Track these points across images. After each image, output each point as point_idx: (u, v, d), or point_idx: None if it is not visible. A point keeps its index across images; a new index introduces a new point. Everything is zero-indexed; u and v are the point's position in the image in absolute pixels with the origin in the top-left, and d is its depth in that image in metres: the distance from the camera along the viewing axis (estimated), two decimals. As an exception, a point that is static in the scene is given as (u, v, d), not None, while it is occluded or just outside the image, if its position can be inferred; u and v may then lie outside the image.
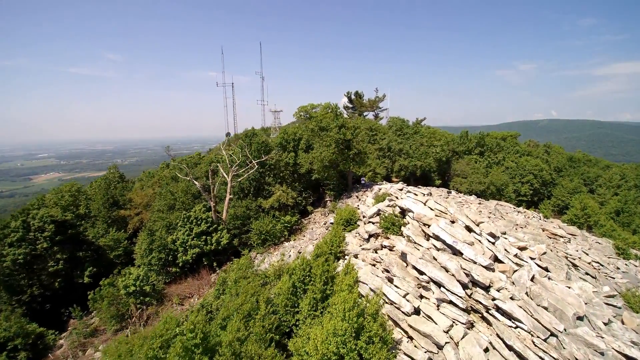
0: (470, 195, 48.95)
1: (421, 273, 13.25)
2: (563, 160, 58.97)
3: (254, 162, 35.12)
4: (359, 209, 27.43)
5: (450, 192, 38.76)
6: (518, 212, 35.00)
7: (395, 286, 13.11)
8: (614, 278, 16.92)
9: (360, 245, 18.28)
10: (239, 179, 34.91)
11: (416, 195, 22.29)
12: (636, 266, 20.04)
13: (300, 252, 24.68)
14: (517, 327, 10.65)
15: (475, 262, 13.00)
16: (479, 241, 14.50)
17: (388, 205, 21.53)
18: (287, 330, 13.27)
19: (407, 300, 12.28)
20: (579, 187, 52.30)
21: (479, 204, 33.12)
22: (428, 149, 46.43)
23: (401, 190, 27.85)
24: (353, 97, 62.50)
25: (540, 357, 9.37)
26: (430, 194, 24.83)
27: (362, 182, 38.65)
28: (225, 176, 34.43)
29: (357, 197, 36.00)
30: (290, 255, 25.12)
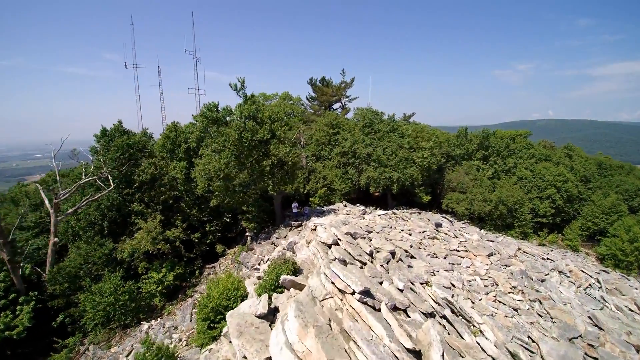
0: (470, 216, 34.53)
1: None
2: (591, 168, 44.82)
3: (110, 178, 20.34)
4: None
5: (442, 222, 24.15)
6: (546, 258, 20.79)
7: None
8: None
9: None
10: (76, 208, 20.05)
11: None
12: None
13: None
14: None
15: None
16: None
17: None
18: None
19: None
20: (617, 205, 38.20)
21: (490, 260, 18.41)
22: (410, 154, 31.90)
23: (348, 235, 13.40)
24: (319, 84, 47.75)
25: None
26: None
27: (294, 210, 23.87)
28: (48, 205, 19.58)
29: (286, 236, 21.48)
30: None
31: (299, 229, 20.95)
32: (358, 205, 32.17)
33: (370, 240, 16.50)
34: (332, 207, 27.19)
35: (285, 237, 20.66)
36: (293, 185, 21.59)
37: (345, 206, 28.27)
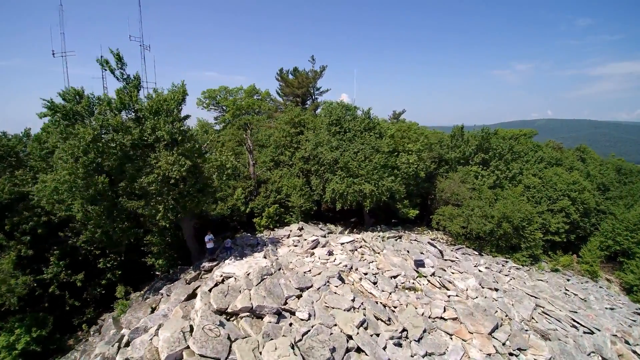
0: (466, 236, 27.69)
1: None
2: (609, 173, 38.02)
3: None
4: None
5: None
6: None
7: None
8: None
9: None
10: None
11: None
12: None
13: None
14: None
15: None
16: None
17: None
18: None
19: None
20: (645, 220, 31.44)
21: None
22: (391, 159, 25.06)
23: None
24: (290, 76, 40.64)
25: None
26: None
27: (208, 244, 16.79)
28: None
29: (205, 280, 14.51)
30: None
31: (207, 276, 14.02)
32: (322, 226, 25.21)
33: (291, 314, 9.58)
34: (280, 232, 20.28)
35: (174, 294, 13.55)
36: (202, 206, 14.59)
37: (301, 229, 21.34)
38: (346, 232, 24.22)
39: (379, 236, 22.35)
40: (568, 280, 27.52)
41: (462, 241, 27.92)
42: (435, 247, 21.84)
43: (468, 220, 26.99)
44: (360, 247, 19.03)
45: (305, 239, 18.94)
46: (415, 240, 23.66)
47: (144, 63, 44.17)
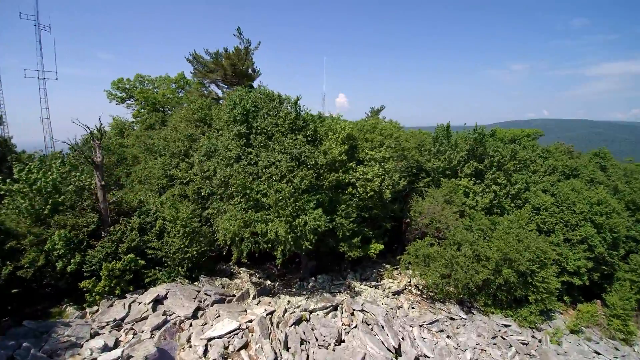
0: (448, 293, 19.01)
1: None
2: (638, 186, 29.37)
3: None
4: None
5: None
6: None
7: None
8: None
9: None
10: None
11: None
12: None
13: None
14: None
15: None
16: None
17: None
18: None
19: None
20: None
21: None
22: (337, 175, 16.09)
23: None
24: (211, 58, 30.86)
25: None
26: None
27: None
28: None
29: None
30: None
31: None
32: (209, 287, 16.16)
33: None
34: (115, 309, 11.19)
35: None
36: None
37: (163, 298, 12.29)
38: (251, 299, 15.05)
39: (298, 309, 13.33)
40: (596, 354, 18.78)
41: (443, 293, 19.05)
42: (387, 330, 12.85)
43: (452, 266, 18.12)
44: (243, 347, 10.01)
45: (148, 327, 9.85)
46: (364, 309, 14.71)
47: (39, 45, 34.56)
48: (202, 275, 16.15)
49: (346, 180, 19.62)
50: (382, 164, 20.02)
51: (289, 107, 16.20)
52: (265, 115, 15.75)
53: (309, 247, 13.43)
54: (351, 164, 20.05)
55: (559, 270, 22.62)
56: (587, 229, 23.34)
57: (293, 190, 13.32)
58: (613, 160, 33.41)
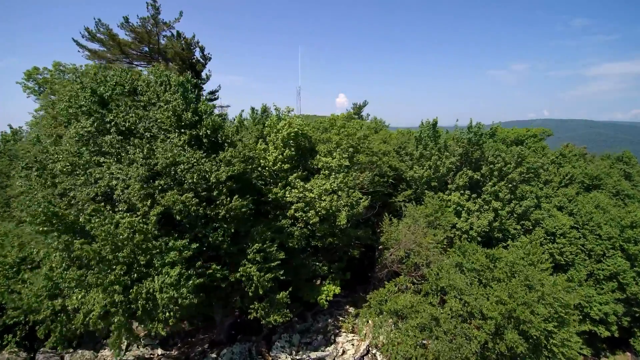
0: None
1: None
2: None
3: None
4: None
5: None
6: None
7: None
8: None
9: None
10: None
11: None
12: None
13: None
14: None
15: None
16: None
17: None
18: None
19: None
20: None
21: None
22: (276, 193, 10.06)
23: None
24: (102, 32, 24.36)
25: None
26: None
27: None
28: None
29: None
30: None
31: None
32: None
33: None
34: None
35: None
36: None
37: None
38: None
39: None
40: None
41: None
42: None
43: (431, 329, 12.22)
44: None
45: None
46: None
47: None
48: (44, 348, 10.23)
49: (286, 199, 13.81)
50: (336, 175, 14.12)
51: (177, 93, 10.22)
52: (133, 106, 9.81)
53: (162, 331, 7.56)
54: (293, 176, 14.18)
55: (580, 317, 16.85)
56: (617, 261, 17.54)
57: (142, 230, 7.43)
58: (638, 165, 27.54)
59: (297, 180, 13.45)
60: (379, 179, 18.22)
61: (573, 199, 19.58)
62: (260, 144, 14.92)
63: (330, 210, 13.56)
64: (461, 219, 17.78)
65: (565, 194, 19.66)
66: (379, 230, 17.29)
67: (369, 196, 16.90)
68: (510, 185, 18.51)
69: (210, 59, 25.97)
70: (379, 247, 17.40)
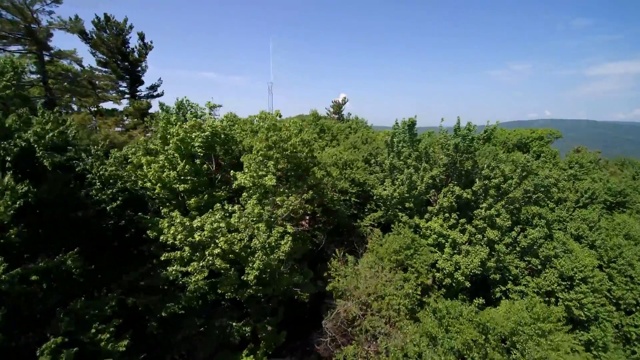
0: None
1: None
2: None
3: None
4: None
5: None
6: None
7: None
8: None
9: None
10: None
11: None
12: None
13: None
14: None
15: None
16: None
17: None
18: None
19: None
20: None
21: None
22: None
23: None
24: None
25: None
26: None
27: None
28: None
29: None
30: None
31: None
32: None
33: None
34: None
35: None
36: None
37: None
38: None
39: None
40: None
41: None
42: None
43: None
44: None
45: None
46: None
47: None
48: None
49: (162, 240, 8.92)
50: (249, 199, 9.25)
51: None
52: None
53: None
54: (192, 200, 9.33)
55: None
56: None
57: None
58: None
59: (177, 212, 8.53)
60: (333, 197, 13.33)
61: (595, 225, 14.69)
62: (142, 157, 9.96)
63: (237, 258, 8.71)
64: (444, 255, 12.91)
65: (584, 218, 14.77)
66: (327, 274, 12.34)
67: (316, 226, 12.02)
68: (511, 207, 13.66)
69: (151, 48, 21.15)
70: (324, 301, 12.53)
